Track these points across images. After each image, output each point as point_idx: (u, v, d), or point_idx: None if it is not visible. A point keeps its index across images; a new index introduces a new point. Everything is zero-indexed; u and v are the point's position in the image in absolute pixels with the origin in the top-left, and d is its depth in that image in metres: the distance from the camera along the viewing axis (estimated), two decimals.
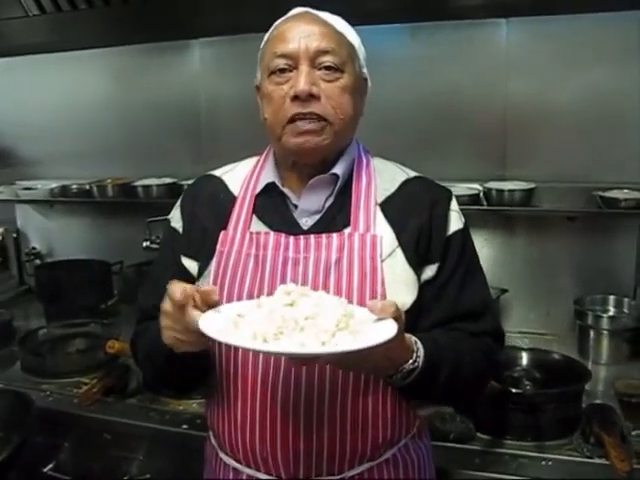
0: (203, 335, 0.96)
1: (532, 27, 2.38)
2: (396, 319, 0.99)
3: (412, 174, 1.35)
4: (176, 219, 1.37)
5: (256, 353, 1.19)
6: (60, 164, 3.11)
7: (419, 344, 1.12)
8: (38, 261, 3.25)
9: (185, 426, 1.85)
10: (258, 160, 1.38)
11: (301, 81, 1.17)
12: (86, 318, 2.66)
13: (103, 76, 2.99)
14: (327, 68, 1.19)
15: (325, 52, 1.18)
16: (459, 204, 2.32)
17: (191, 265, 1.32)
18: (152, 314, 1.26)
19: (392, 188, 1.30)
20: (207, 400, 1.36)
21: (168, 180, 2.81)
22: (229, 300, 1.08)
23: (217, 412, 1.28)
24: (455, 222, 1.30)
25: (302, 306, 0.99)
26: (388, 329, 0.97)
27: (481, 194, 2.46)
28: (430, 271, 1.26)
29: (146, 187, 2.79)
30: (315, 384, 1.18)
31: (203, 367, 1.26)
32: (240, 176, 1.36)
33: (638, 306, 2.36)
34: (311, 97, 1.17)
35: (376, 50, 2.56)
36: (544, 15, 2.32)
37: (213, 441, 1.35)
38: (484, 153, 2.53)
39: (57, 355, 2.42)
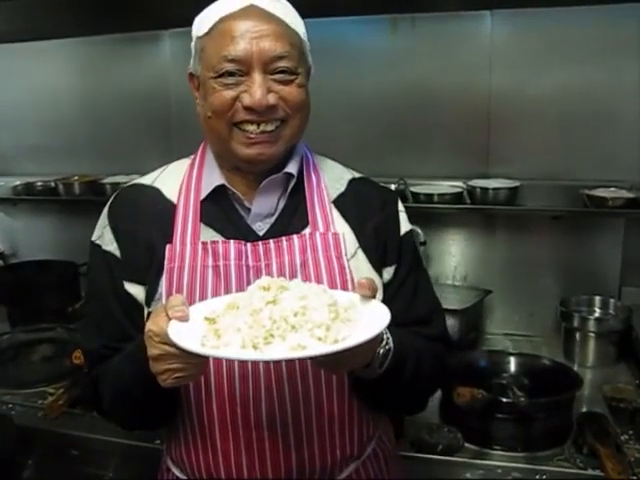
0: (200, 356, 0.87)
1: (517, 20, 2.31)
2: (374, 296, 0.97)
3: (356, 174, 1.30)
4: (108, 241, 1.18)
5: (231, 366, 1.09)
6: (23, 160, 2.99)
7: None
8: (1, 262, 3.10)
9: (157, 441, 1.74)
10: (192, 161, 1.24)
11: (257, 93, 1.05)
12: (52, 322, 2.53)
13: (69, 68, 2.86)
14: (282, 72, 1.08)
15: (280, 57, 1.07)
16: (442, 202, 2.32)
17: (137, 291, 1.16)
18: (103, 355, 1.15)
19: (342, 187, 1.25)
20: (168, 427, 1.22)
21: (137, 177, 2.68)
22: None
23: (186, 440, 1.16)
24: (404, 223, 1.26)
25: (286, 301, 0.89)
26: (379, 312, 0.92)
27: (464, 192, 2.39)
28: (387, 274, 1.22)
29: (114, 184, 2.67)
30: (300, 393, 1.11)
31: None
32: (174, 181, 1.21)
33: (624, 307, 2.30)
34: (267, 107, 1.07)
35: (355, 43, 2.53)
36: (530, 8, 2.25)
37: (177, 473, 1.22)
38: (467, 150, 2.46)
39: (21, 363, 2.29)
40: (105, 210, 1.22)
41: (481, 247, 2.50)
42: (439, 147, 2.47)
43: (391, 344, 1.04)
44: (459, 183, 2.41)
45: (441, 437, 1.73)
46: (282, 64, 1.07)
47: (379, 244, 1.20)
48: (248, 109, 1.06)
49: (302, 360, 1.09)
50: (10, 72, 2.92)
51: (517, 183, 2.33)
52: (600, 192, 2.23)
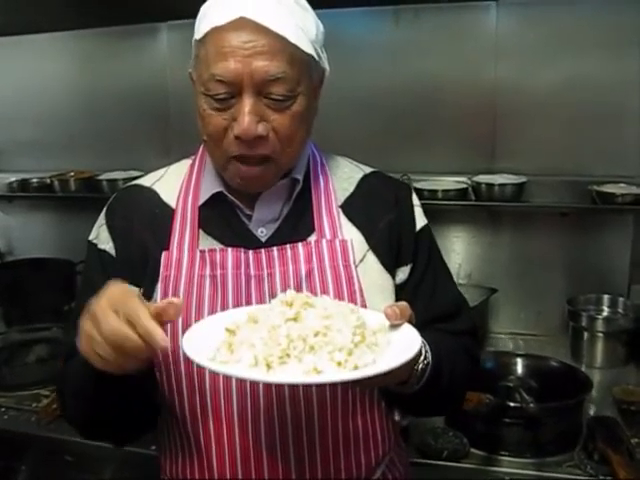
0: (131, 358, 0.80)
1: (523, 11, 2.24)
2: (409, 321, 0.90)
3: (367, 170, 1.24)
4: (104, 240, 1.14)
5: (229, 379, 1.03)
6: (18, 156, 2.92)
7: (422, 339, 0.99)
8: None
9: (153, 447, 1.68)
10: (192, 164, 1.19)
11: (245, 120, 0.97)
12: (49, 321, 2.48)
13: (64, 61, 2.79)
14: (276, 99, 0.99)
15: (274, 80, 0.97)
16: (446, 198, 2.26)
17: None
18: None
19: (350, 187, 1.19)
20: (160, 442, 1.17)
21: (135, 173, 2.62)
22: (184, 332, 0.89)
23: (182, 456, 1.10)
24: (420, 218, 1.21)
25: (308, 320, 0.83)
26: (409, 339, 0.85)
27: (469, 188, 2.33)
28: (402, 274, 1.16)
29: (111, 181, 2.62)
30: (302, 411, 1.04)
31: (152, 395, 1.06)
32: (173, 185, 1.17)
33: (634, 306, 2.25)
34: (257, 137, 0.99)
35: (357, 35, 2.46)
36: None
37: None
38: (471, 144, 2.40)
39: (15, 365, 2.25)
40: (104, 210, 1.18)
41: (486, 244, 2.44)
42: (443, 142, 2.41)
43: (429, 358, 0.98)
44: (464, 179, 2.35)
45: (446, 442, 1.67)
46: (276, 89, 0.98)
47: (393, 243, 1.15)
48: (238, 139, 1.00)
49: None
50: (4, 66, 2.86)
51: (523, 179, 2.27)
52: (609, 188, 2.17)
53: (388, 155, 2.36)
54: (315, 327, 0.81)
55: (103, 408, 1.00)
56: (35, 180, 2.83)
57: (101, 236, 1.15)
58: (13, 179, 2.85)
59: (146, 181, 1.20)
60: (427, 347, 0.98)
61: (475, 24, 2.31)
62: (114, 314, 0.80)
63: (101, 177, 2.68)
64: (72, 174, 2.77)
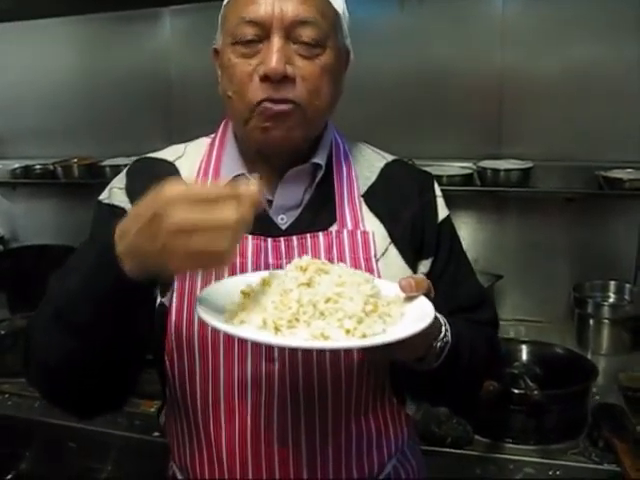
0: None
1: None
2: (427, 294, 0.89)
3: (390, 157, 1.21)
4: (120, 200, 1.08)
5: (243, 369, 1.00)
6: (21, 142, 2.94)
7: (443, 317, 0.97)
8: (1, 247, 3.05)
9: (157, 434, 1.69)
10: (212, 142, 1.14)
11: (273, 58, 0.95)
12: None
13: (67, 47, 2.79)
14: (305, 43, 0.98)
15: (304, 23, 0.96)
16: (451, 184, 2.25)
17: None
18: None
19: (373, 176, 1.16)
20: (169, 430, 1.14)
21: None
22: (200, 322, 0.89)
23: (191, 448, 1.08)
24: (442, 209, 1.17)
25: (321, 286, 0.82)
26: (422, 311, 0.84)
27: (475, 174, 2.31)
28: (424, 267, 1.13)
29: (115, 167, 2.61)
30: (316, 407, 1.02)
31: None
32: (193, 163, 1.12)
33: None
34: (284, 78, 0.96)
35: (361, 20, 2.43)
36: None
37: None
38: (477, 130, 2.39)
39: (18, 351, 2.22)
40: (121, 174, 1.12)
41: (492, 231, 2.42)
42: (448, 127, 2.39)
43: (449, 337, 0.95)
44: (469, 164, 2.34)
45: (450, 429, 1.66)
46: (306, 32, 0.97)
47: (415, 235, 1.12)
48: (264, 80, 0.96)
49: (322, 368, 1.01)
50: (5, 53, 2.86)
51: (529, 164, 2.25)
52: (616, 173, 2.15)
53: (392, 140, 2.31)
54: (327, 293, 0.81)
55: (95, 344, 0.87)
56: (38, 166, 2.83)
57: (117, 196, 1.09)
58: (16, 166, 2.85)
59: (168, 155, 1.15)
60: (447, 326, 0.96)
61: (481, 9, 2.29)
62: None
63: (104, 163, 2.67)
64: (75, 160, 2.78)
